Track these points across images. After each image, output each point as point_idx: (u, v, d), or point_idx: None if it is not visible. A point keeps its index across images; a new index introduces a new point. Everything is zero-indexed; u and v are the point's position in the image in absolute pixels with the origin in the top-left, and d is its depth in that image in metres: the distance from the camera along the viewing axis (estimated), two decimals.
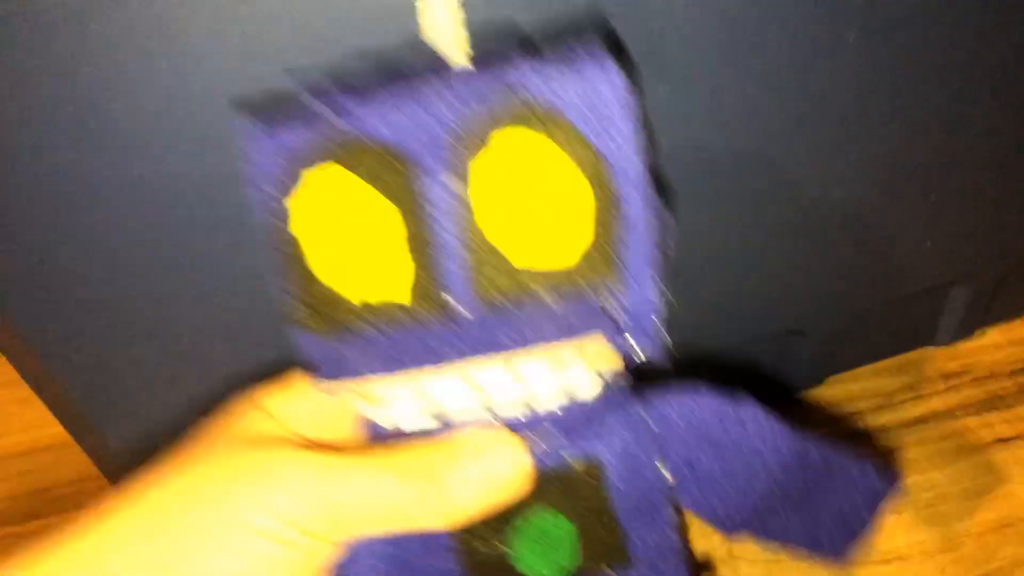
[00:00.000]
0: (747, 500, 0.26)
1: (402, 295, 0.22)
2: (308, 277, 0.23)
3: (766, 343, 0.44)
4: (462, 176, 0.21)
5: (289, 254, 0.23)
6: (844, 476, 0.27)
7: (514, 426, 0.24)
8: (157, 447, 0.26)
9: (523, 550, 0.25)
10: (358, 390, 0.23)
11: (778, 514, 0.27)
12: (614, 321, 0.23)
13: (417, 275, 0.22)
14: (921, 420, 0.46)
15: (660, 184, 0.25)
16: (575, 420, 0.24)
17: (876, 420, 0.46)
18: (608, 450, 0.24)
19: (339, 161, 0.22)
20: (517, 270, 0.22)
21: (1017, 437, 0.44)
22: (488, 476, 0.23)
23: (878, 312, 0.45)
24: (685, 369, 0.33)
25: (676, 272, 0.26)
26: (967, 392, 0.47)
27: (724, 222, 0.37)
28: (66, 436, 0.38)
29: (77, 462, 0.46)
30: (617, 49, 0.22)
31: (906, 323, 0.48)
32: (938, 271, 0.44)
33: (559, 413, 0.24)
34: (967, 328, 0.48)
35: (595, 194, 0.21)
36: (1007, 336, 0.50)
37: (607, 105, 0.21)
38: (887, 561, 0.40)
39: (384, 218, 0.22)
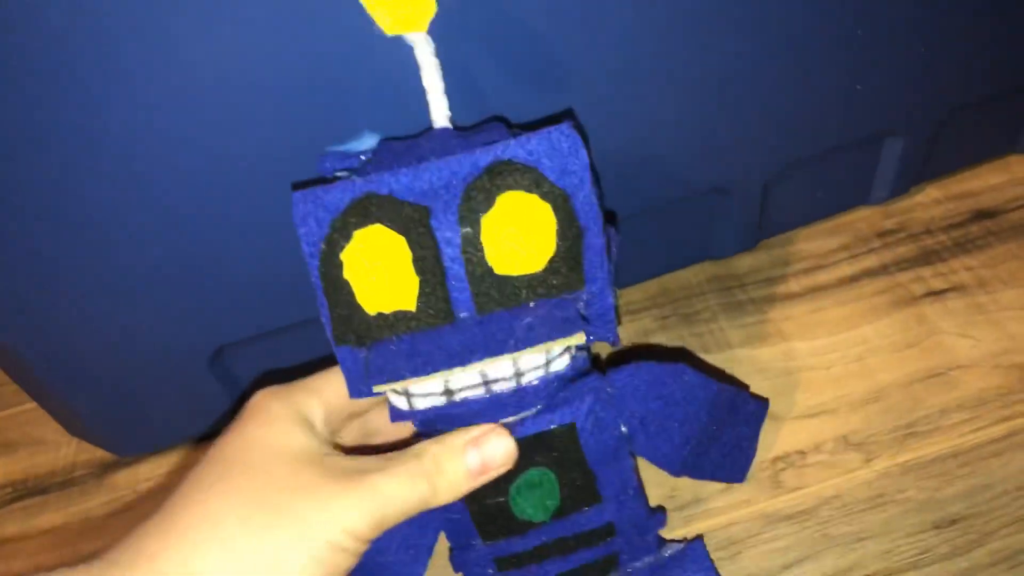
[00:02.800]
0: (685, 441, 0.34)
1: (408, 303, 0.29)
2: (352, 307, 0.29)
3: (693, 203, 0.42)
4: (473, 224, 0.28)
5: (340, 291, 0.29)
6: (741, 409, 0.36)
7: (506, 401, 0.30)
8: None
9: (518, 498, 0.32)
10: (394, 388, 0.30)
11: (704, 454, 0.35)
12: (584, 318, 0.30)
13: (421, 287, 0.29)
14: (854, 278, 0.45)
15: (609, 212, 0.35)
16: (551, 389, 0.31)
17: (811, 281, 0.45)
18: (578, 414, 0.31)
19: (376, 216, 0.28)
20: (503, 277, 0.29)
21: (949, 290, 0.43)
22: (484, 461, 0.30)
23: (811, 169, 0.43)
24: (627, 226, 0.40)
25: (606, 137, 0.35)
26: (901, 249, 0.46)
27: (646, 85, 0.35)
28: None
29: None
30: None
31: (840, 181, 0.46)
32: (871, 119, 0.42)
33: (539, 384, 0.30)
34: (903, 184, 0.47)
35: (562, 221, 0.29)
36: (944, 192, 0.49)
37: (567, 159, 0.29)
38: (814, 415, 0.39)
39: (396, 247, 0.28)
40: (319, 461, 0.28)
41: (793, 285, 0.45)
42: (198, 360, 0.38)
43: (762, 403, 0.37)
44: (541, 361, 0.30)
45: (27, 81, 0.28)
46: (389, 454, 0.29)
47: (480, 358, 0.29)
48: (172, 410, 0.40)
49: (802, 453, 0.38)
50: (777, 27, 0.36)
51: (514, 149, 0.29)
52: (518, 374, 0.30)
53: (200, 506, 0.26)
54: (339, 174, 0.31)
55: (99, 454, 0.43)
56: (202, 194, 0.33)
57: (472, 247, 0.29)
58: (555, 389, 0.31)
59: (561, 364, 0.31)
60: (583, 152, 0.29)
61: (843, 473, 0.37)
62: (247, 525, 0.26)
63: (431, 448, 0.29)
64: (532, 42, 0.32)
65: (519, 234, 0.29)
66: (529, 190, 0.29)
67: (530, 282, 0.29)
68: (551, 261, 0.29)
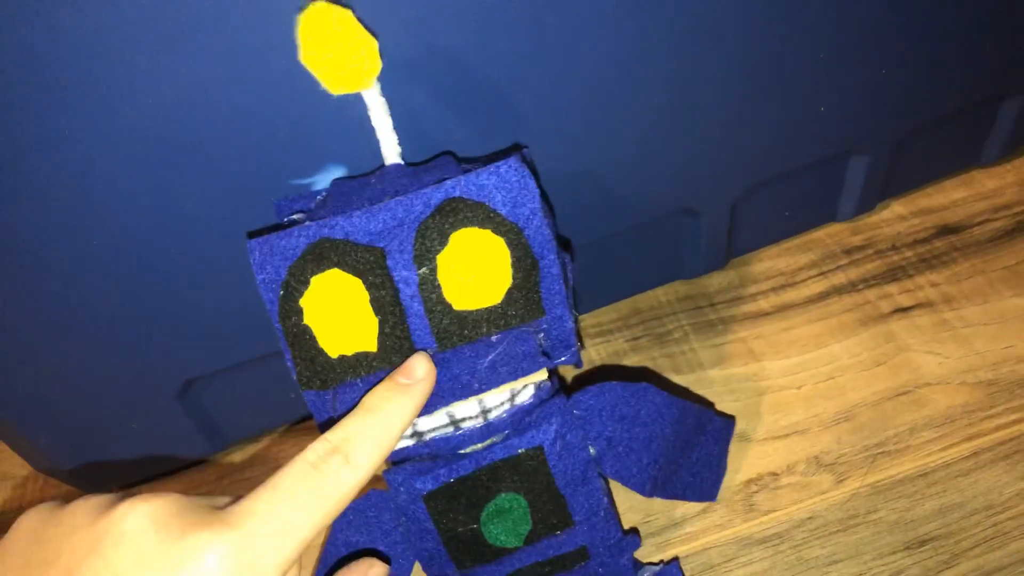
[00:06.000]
0: (653, 461, 0.34)
1: (369, 344, 0.29)
2: (315, 351, 0.29)
3: (662, 224, 0.42)
4: (429, 263, 0.29)
5: (301, 336, 0.29)
6: (708, 428, 0.36)
7: (471, 435, 0.30)
8: None
9: (489, 525, 0.31)
10: None
11: (675, 473, 0.35)
12: (545, 353, 0.30)
13: (381, 328, 0.29)
14: (823, 296, 0.45)
15: (563, 239, 0.36)
16: (518, 419, 0.31)
17: (780, 299, 0.45)
18: (546, 437, 0.31)
19: (332, 260, 0.28)
20: (462, 312, 0.29)
21: (916, 306, 0.44)
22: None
23: (778, 188, 0.44)
24: (590, 255, 0.40)
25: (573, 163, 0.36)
26: (868, 266, 0.46)
27: (613, 111, 0.35)
28: None
29: None
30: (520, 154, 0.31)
31: (807, 199, 0.46)
32: (836, 139, 0.42)
33: (506, 417, 0.31)
34: (869, 201, 0.47)
35: (516, 253, 0.29)
36: (909, 207, 0.49)
37: (517, 191, 0.29)
38: (785, 436, 0.39)
39: (353, 290, 0.28)
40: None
41: (763, 303, 0.45)
42: (165, 394, 0.38)
43: (728, 420, 0.37)
44: (506, 398, 0.30)
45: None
46: None
47: (446, 403, 0.29)
48: (140, 445, 0.40)
49: (775, 475, 0.38)
50: (741, 51, 0.36)
51: (464, 186, 0.29)
52: (484, 412, 0.30)
53: None
54: (294, 217, 0.31)
55: (65, 489, 0.42)
56: (163, 230, 0.32)
57: (429, 286, 0.29)
58: (521, 415, 0.31)
59: (526, 396, 0.31)
60: (532, 184, 0.29)
61: (815, 495, 0.37)
62: None
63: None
64: (488, 74, 0.32)
65: (475, 270, 0.29)
66: (482, 225, 0.29)
67: (489, 315, 0.30)
68: (508, 293, 0.30)
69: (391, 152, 0.31)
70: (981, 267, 0.45)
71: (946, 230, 0.47)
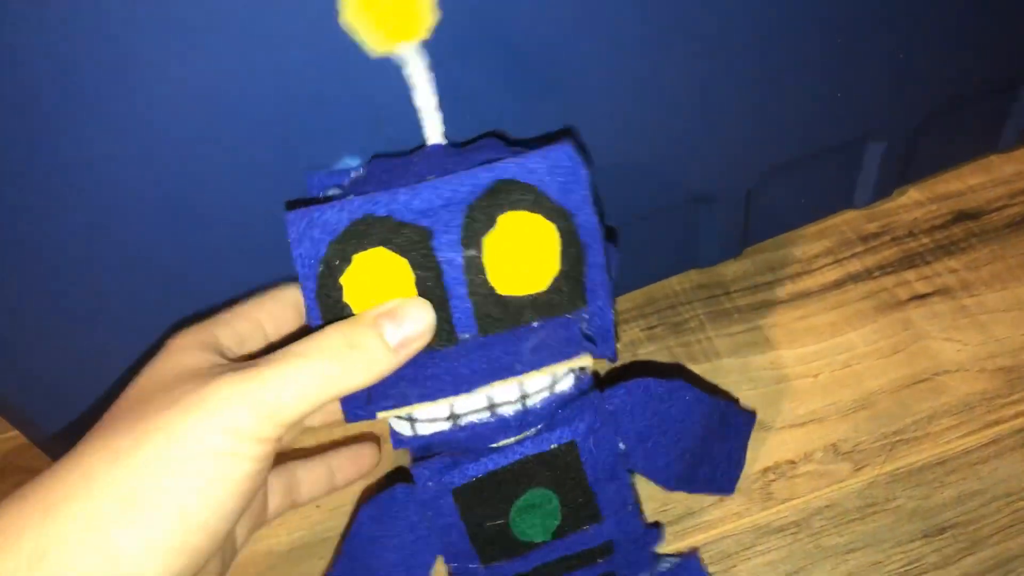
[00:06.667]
0: (680, 456, 0.33)
1: None
2: None
3: (676, 212, 0.42)
4: (476, 246, 0.28)
5: (339, 315, 0.28)
6: (730, 422, 0.36)
7: (510, 423, 0.30)
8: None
9: (518, 520, 0.31)
10: (398, 414, 0.29)
11: (699, 467, 0.35)
12: (589, 338, 0.30)
13: None
14: (839, 283, 0.45)
15: (609, 228, 0.35)
16: (553, 409, 0.30)
17: (796, 287, 0.45)
18: (578, 432, 0.30)
19: (376, 238, 0.28)
20: (506, 298, 0.29)
21: (934, 293, 0.44)
22: (405, 336, 0.27)
23: (794, 174, 0.43)
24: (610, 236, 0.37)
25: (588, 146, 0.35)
26: (885, 253, 0.46)
27: (629, 95, 0.35)
28: None
29: None
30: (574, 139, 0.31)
31: (823, 185, 0.46)
32: (852, 124, 0.42)
33: (543, 405, 0.30)
34: (886, 187, 0.47)
35: (565, 240, 0.28)
36: (927, 194, 0.49)
37: (569, 177, 0.28)
38: (802, 424, 0.39)
39: (398, 270, 0.28)
40: (206, 371, 0.25)
41: (779, 292, 0.45)
42: None
43: (749, 416, 0.37)
44: (547, 383, 0.30)
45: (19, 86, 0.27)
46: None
47: (488, 382, 0.28)
48: None
49: (792, 463, 0.38)
50: (757, 35, 0.36)
51: (515, 168, 0.28)
52: (523, 396, 0.30)
53: (75, 466, 0.24)
54: (330, 192, 0.31)
55: None
56: (185, 210, 0.32)
57: (475, 269, 0.28)
58: (556, 408, 0.31)
59: (566, 384, 0.31)
60: (584, 170, 0.28)
61: (833, 483, 0.37)
62: (112, 473, 0.23)
63: (339, 326, 0.27)
64: (510, 57, 0.32)
65: (522, 255, 0.28)
66: (531, 210, 0.28)
67: (533, 302, 0.29)
68: (554, 280, 0.29)
69: (434, 131, 0.30)
70: (1000, 253, 0.45)
71: (964, 216, 0.47)
